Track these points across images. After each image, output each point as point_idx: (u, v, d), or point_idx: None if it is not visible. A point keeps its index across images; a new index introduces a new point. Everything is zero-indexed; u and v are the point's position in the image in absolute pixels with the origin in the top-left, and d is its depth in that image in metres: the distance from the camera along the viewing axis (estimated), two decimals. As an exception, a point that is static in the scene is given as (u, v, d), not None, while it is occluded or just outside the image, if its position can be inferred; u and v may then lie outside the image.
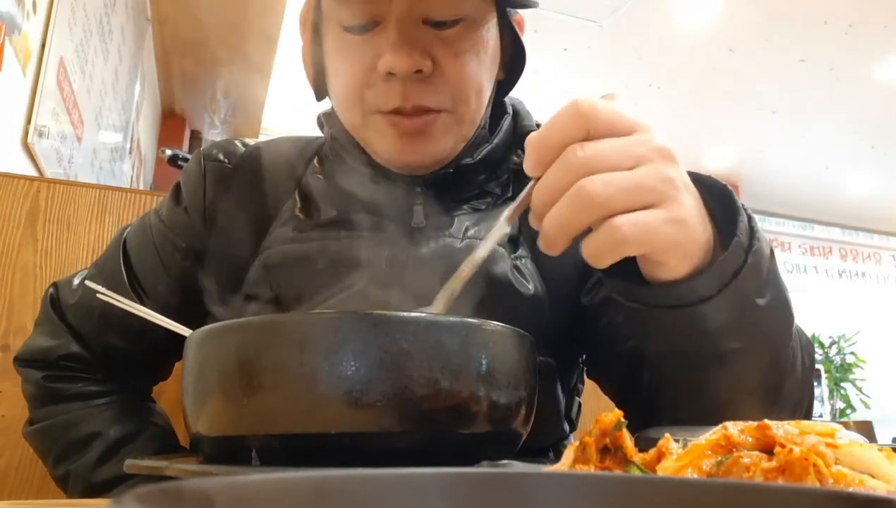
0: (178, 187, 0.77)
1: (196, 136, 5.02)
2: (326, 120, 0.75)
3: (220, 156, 0.76)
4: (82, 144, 2.44)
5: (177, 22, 3.64)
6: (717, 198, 0.50)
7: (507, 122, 0.74)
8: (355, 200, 0.69)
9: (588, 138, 0.43)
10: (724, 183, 0.51)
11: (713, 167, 6.15)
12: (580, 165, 0.43)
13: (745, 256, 0.47)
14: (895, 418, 5.78)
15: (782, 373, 0.53)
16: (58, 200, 1.03)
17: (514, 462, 0.42)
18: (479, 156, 0.70)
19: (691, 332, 0.48)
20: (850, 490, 0.24)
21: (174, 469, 0.43)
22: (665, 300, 0.47)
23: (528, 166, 0.45)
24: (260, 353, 0.41)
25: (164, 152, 2.31)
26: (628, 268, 0.49)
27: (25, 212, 1.01)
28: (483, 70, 0.66)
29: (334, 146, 0.74)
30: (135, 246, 0.76)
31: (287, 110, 4.34)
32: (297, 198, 0.72)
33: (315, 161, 0.76)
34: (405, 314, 0.42)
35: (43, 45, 1.86)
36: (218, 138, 5.26)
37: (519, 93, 0.78)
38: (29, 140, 1.81)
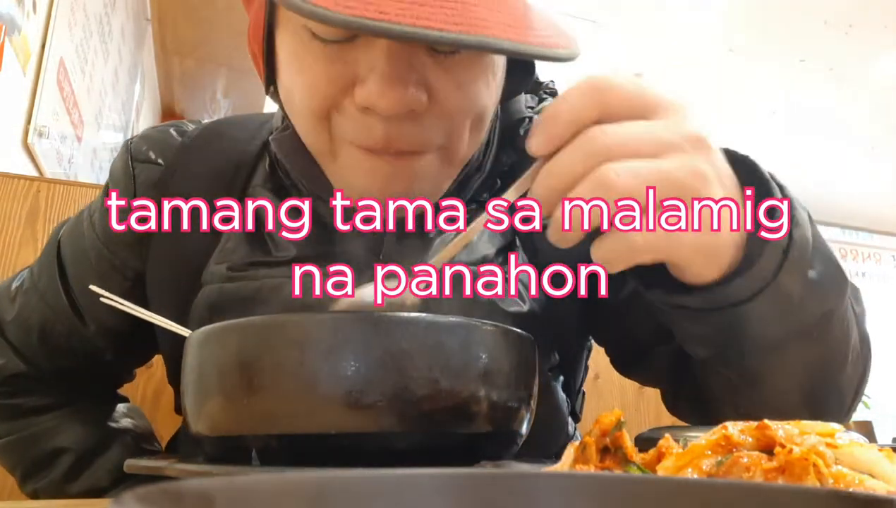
0: (107, 192, 0.66)
1: (196, 136, 5.01)
2: (274, 143, 0.60)
3: (151, 155, 0.64)
4: (82, 144, 2.44)
5: (177, 22, 3.64)
6: (749, 179, 0.44)
7: (496, 130, 0.62)
8: (315, 230, 0.58)
9: (602, 119, 0.38)
10: (752, 160, 0.45)
11: (713, 167, 6.13)
12: (602, 149, 0.37)
13: (787, 250, 0.42)
14: (895, 418, 5.78)
15: (838, 356, 0.49)
16: (58, 200, 1.03)
17: (514, 462, 0.42)
18: (469, 193, 0.60)
19: (730, 332, 0.45)
20: (850, 490, 0.24)
21: (174, 469, 0.42)
22: (699, 304, 0.44)
23: (535, 144, 0.39)
24: (260, 353, 0.41)
25: (164, 152, 2.31)
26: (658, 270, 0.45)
27: (25, 212, 1.01)
28: (489, 97, 0.54)
29: (286, 168, 0.60)
30: (71, 258, 0.66)
31: (287, 110, 4.33)
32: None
33: (265, 164, 0.63)
34: (405, 314, 0.42)
35: (43, 45, 1.86)
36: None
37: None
38: (29, 140, 1.81)
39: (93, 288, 0.58)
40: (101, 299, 0.56)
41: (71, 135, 2.28)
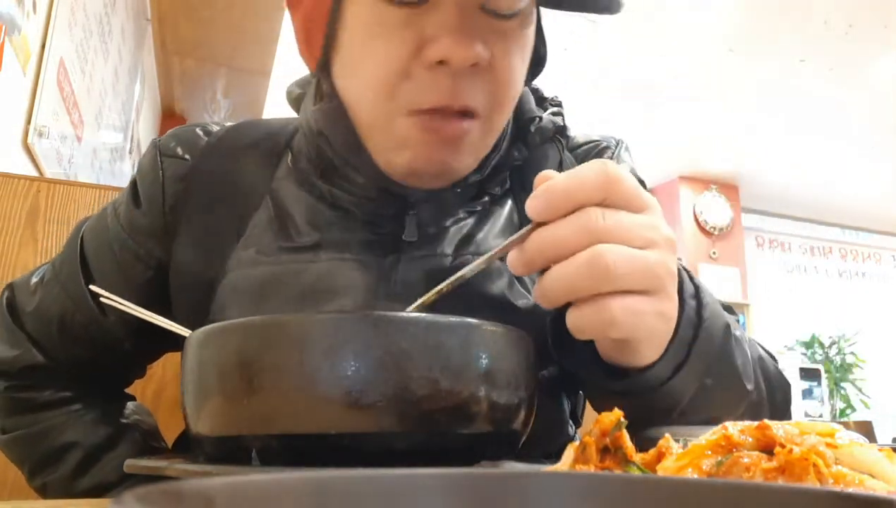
0: (134, 186, 0.69)
1: (196, 136, 5.02)
2: (314, 116, 0.63)
3: (179, 151, 0.67)
4: (82, 144, 2.44)
5: (177, 22, 3.64)
6: None
7: (510, 123, 0.66)
8: (337, 218, 0.62)
9: (603, 204, 0.42)
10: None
11: (713, 168, 6.14)
12: (600, 230, 0.41)
13: (696, 332, 0.48)
14: (895, 418, 5.78)
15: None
16: (58, 200, 1.03)
17: (514, 462, 0.42)
18: (486, 172, 0.64)
19: (652, 408, 0.50)
20: (850, 490, 0.24)
21: (174, 469, 0.42)
22: (621, 388, 0.49)
23: (536, 209, 0.42)
24: (260, 353, 0.41)
25: (164, 152, 2.31)
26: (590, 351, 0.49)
27: (25, 212, 1.01)
28: (524, 72, 0.60)
29: (318, 145, 0.63)
30: (93, 251, 0.68)
31: (287, 111, 4.34)
32: (270, 207, 0.64)
33: (288, 159, 0.67)
34: (405, 314, 0.42)
35: (43, 45, 1.86)
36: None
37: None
38: (29, 140, 1.81)
39: (93, 288, 0.59)
40: (101, 299, 0.56)
41: (71, 135, 2.28)
